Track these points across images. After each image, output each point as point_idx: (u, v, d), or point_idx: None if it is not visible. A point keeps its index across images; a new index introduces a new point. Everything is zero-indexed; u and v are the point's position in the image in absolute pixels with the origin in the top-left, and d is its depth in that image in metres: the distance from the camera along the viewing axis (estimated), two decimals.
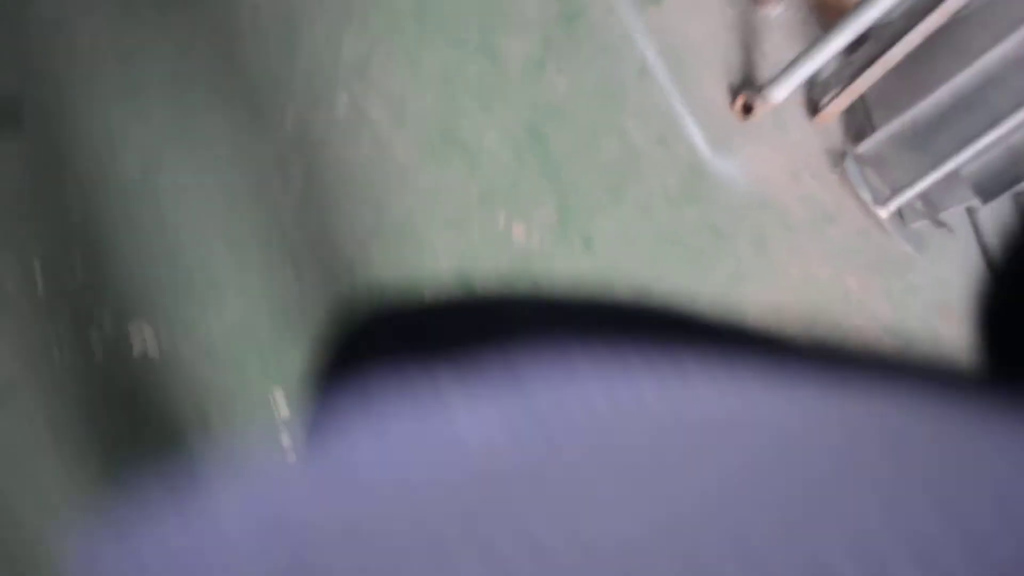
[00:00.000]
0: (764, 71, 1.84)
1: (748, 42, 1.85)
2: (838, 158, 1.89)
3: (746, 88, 1.82)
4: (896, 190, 1.94)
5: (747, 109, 1.78)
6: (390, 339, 0.44)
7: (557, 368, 0.28)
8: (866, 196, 1.94)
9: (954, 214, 2.07)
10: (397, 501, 0.23)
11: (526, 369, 0.28)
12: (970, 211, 2.25)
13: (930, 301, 2.05)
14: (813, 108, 1.90)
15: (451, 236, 1.53)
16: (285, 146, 1.49)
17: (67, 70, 1.44)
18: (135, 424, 1.22)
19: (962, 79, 1.77)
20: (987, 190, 1.95)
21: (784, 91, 1.77)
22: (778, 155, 1.82)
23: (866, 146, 1.94)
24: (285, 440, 1.27)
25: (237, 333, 1.32)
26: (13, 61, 1.43)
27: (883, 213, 1.96)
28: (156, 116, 1.45)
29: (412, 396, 0.29)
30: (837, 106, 1.85)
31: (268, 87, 1.51)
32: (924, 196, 2.00)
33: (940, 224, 2.05)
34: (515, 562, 0.19)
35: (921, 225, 2.02)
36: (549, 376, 0.28)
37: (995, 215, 2.29)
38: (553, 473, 0.23)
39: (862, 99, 1.90)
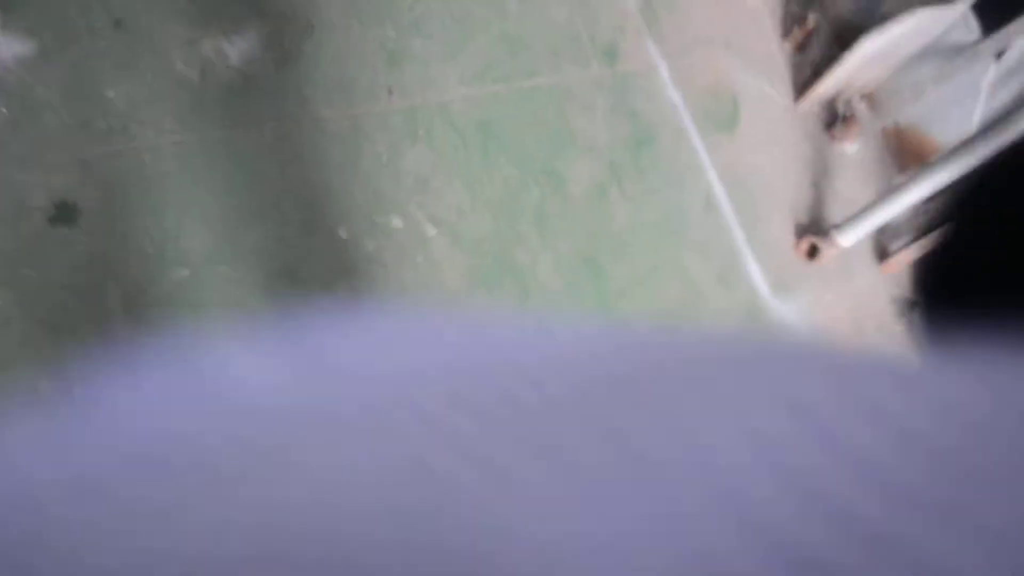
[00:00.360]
0: (834, 211, 1.78)
1: (820, 179, 1.79)
2: (905, 308, 1.82)
3: (814, 229, 1.76)
4: None
5: (813, 252, 1.72)
6: None
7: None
8: None
9: None
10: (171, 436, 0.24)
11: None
12: None
13: None
14: (882, 254, 1.83)
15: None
16: (335, 263, 1.46)
17: (122, 175, 1.44)
18: None
19: None
20: None
21: (853, 237, 1.71)
22: (842, 302, 1.75)
23: None
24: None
25: None
26: (75, 160, 1.43)
27: None
28: (208, 224, 1.44)
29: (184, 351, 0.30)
30: (907, 255, 1.78)
31: (323, 201, 1.49)
32: None
33: None
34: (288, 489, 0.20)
35: None
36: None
37: None
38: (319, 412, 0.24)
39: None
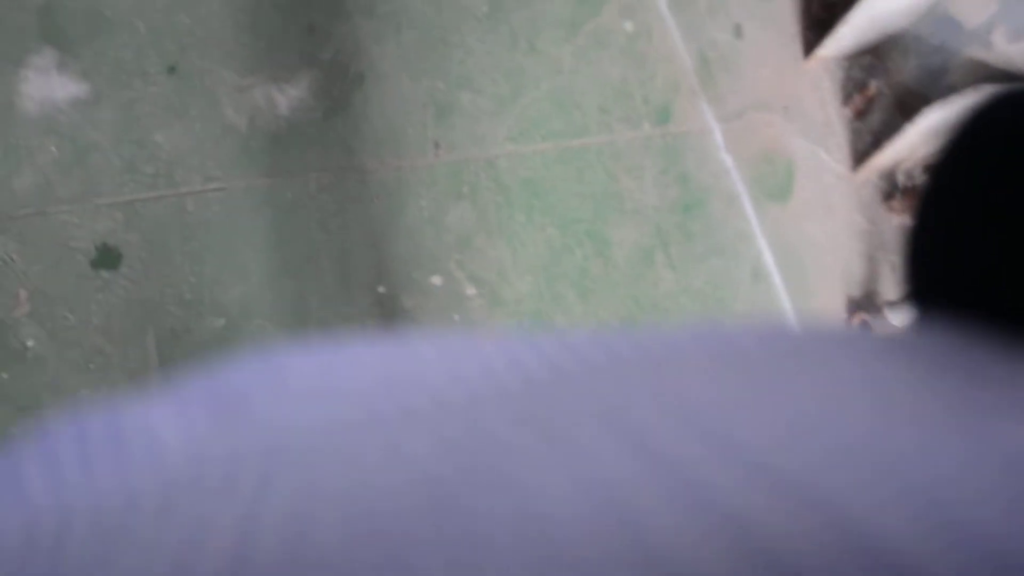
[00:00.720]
0: (888, 287, 1.71)
1: (875, 252, 1.73)
2: None
3: (866, 305, 1.70)
4: None
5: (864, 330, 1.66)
6: None
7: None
8: None
9: None
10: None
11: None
12: None
13: None
14: None
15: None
16: (372, 319, 1.45)
17: (165, 221, 1.44)
18: None
19: None
20: None
21: (908, 316, 1.64)
22: None
23: None
24: None
25: None
26: (120, 204, 1.44)
27: None
28: (247, 274, 1.43)
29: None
30: None
31: (363, 255, 1.48)
32: None
33: None
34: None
35: None
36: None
37: None
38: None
39: None
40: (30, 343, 1.36)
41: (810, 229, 1.70)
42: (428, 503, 0.18)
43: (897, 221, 1.76)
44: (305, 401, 0.28)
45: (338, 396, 0.27)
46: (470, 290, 1.49)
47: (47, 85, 1.47)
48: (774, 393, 0.19)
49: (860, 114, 1.78)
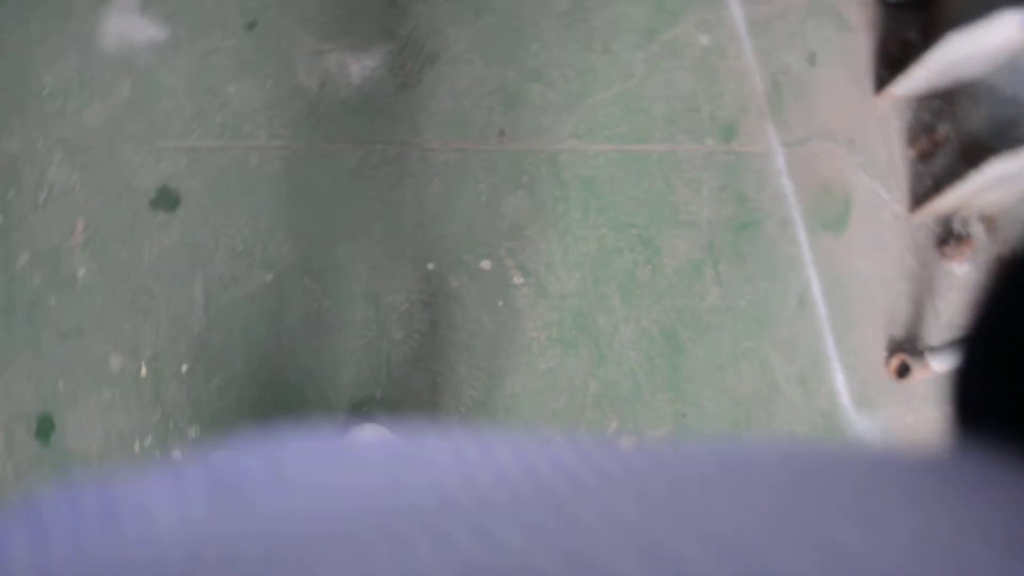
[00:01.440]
0: (931, 332, 1.70)
1: (922, 295, 1.72)
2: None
3: (907, 346, 1.68)
4: None
5: (903, 371, 1.64)
6: None
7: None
8: None
9: None
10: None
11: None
12: None
13: None
14: None
15: (553, 431, 1.45)
16: (417, 294, 1.45)
17: (227, 172, 1.46)
18: None
19: None
20: None
21: (948, 363, 1.62)
22: (924, 427, 1.66)
23: None
24: None
25: None
26: (184, 149, 1.45)
27: None
28: (300, 234, 1.44)
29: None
30: None
31: (416, 231, 1.48)
32: None
33: None
34: None
35: None
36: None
37: None
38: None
39: None
40: (81, 272, 1.37)
41: (860, 264, 1.69)
42: None
43: (947, 268, 1.75)
44: (306, 493, 0.28)
45: (339, 492, 0.27)
46: (517, 279, 1.49)
47: (129, 25, 1.49)
48: (804, 516, 0.19)
49: (924, 156, 1.77)
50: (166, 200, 1.42)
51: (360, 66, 1.54)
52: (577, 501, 0.22)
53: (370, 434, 1.27)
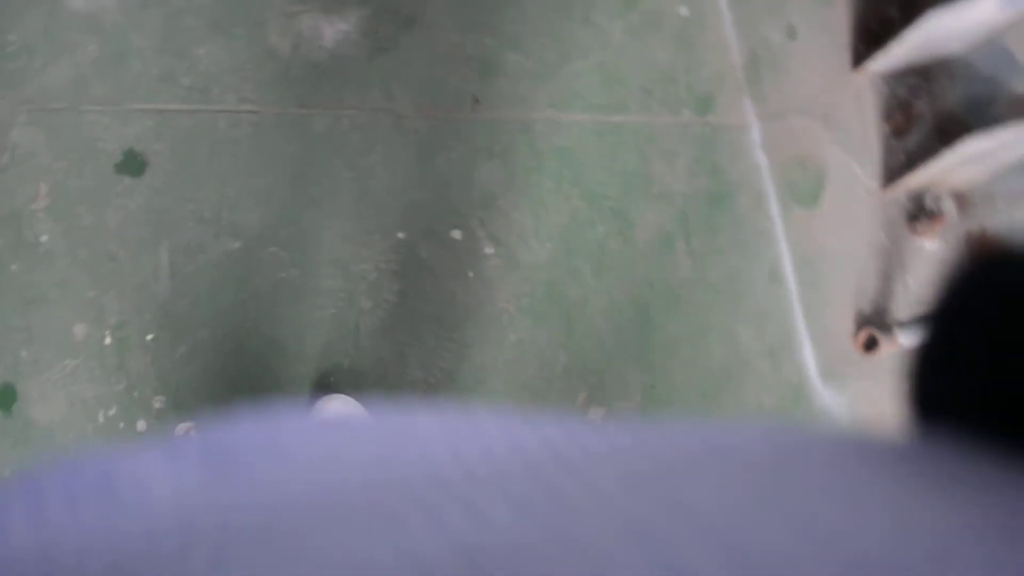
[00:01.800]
0: (900, 307, 1.71)
1: (892, 271, 1.73)
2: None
3: (876, 321, 1.69)
4: None
5: (870, 344, 1.66)
6: None
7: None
8: None
9: None
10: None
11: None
12: None
13: None
14: None
15: (524, 403, 1.46)
16: (386, 263, 1.44)
17: (194, 136, 1.43)
18: None
19: None
20: None
21: (915, 337, 1.64)
22: (890, 399, 1.68)
23: None
24: None
25: None
26: (151, 112, 1.43)
27: None
28: (268, 200, 1.42)
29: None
30: None
31: (386, 199, 1.47)
32: None
33: None
34: None
35: None
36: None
37: None
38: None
39: None
40: (43, 238, 1.35)
41: (832, 239, 1.70)
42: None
43: (918, 244, 1.76)
44: (302, 466, 0.28)
45: (333, 465, 0.27)
46: (488, 249, 1.49)
47: None
48: (784, 495, 0.19)
49: (899, 132, 1.77)
50: (132, 164, 1.40)
51: (334, 29, 1.52)
52: (563, 477, 0.22)
53: (337, 405, 1.27)
